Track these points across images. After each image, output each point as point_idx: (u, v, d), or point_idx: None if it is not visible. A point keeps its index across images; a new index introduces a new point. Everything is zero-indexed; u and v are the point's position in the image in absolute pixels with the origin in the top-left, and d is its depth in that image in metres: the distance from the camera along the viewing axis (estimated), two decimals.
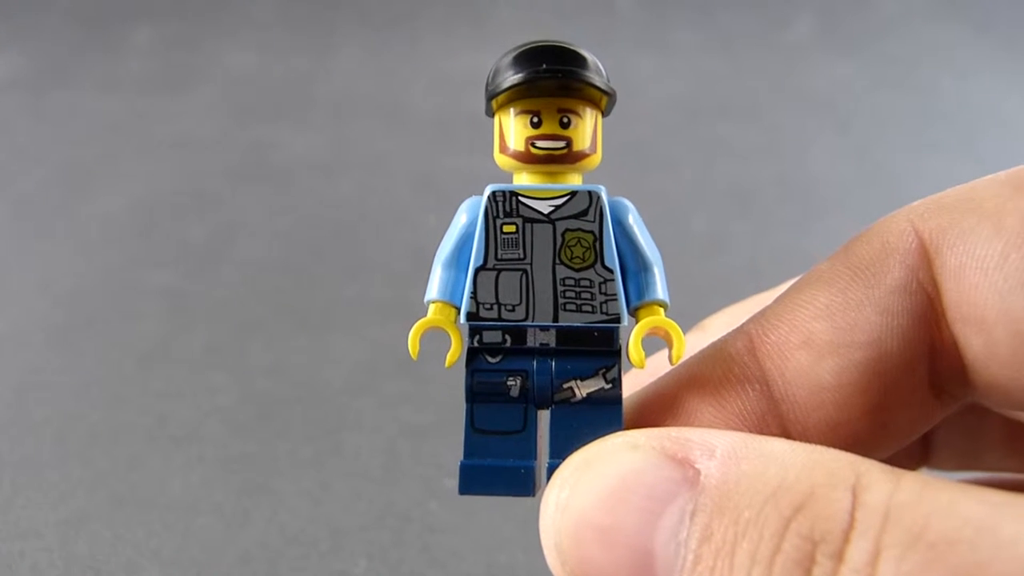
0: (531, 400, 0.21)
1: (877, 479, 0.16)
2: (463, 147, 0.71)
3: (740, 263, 0.58)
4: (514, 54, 0.20)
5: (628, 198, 0.21)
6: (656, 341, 0.21)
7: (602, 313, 0.20)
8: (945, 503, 0.15)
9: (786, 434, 0.20)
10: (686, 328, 0.21)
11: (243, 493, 0.41)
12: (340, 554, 0.38)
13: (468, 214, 0.21)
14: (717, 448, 0.17)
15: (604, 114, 0.21)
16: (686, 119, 0.77)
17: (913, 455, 0.26)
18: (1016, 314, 0.19)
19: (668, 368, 0.21)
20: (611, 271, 0.20)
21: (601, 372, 0.20)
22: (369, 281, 0.56)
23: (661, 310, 0.21)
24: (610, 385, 0.20)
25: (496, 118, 0.21)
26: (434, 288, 0.21)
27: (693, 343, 0.22)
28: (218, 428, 0.45)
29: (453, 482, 0.42)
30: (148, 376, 0.48)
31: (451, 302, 0.21)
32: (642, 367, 0.20)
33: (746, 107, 0.79)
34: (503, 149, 0.21)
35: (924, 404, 0.21)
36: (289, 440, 0.44)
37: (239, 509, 0.40)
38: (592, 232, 0.20)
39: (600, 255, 0.20)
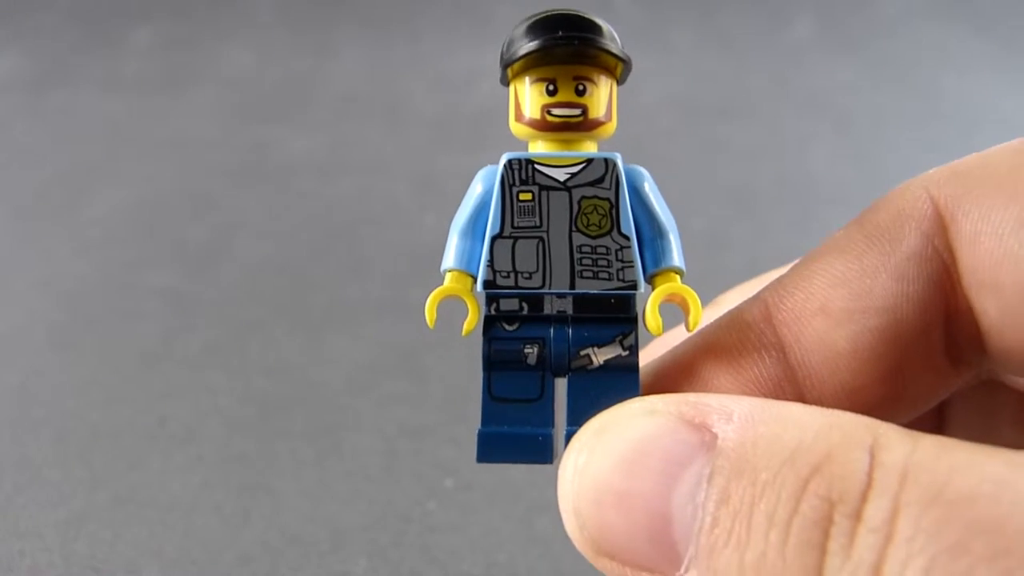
0: (548, 368, 0.21)
1: (895, 439, 0.16)
2: (463, 147, 0.71)
3: (740, 263, 0.58)
4: (529, 23, 0.20)
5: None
6: (672, 309, 0.21)
7: (619, 280, 0.20)
8: (964, 461, 0.15)
9: (802, 400, 0.20)
10: (702, 303, 0.21)
11: (243, 493, 0.41)
12: (340, 554, 0.38)
13: (484, 183, 0.21)
14: (734, 412, 0.17)
15: (619, 82, 0.21)
16: (686, 119, 0.77)
17: (926, 432, 0.26)
18: None
19: (684, 337, 0.22)
20: (627, 238, 0.20)
21: (618, 339, 0.20)
22: (369, 281, 0.56)
23: (677, 277, 0.21)
24: (627, 352, 0.20)
25: (511, 86, 0.21)
26: (450, 257, 0.21)
27: (707, 318, 0.22)
28: (218, 428, 0.45)
29: (453, 482, 0.42)
30: (148, 376, 0.48)
31: (467, 271, 0.21)
32: (659, 334, 0.20)
33: (746, 107, 0.79)
34: (519, 117, 0.21)
35: (940, 371, 0.21)
36: (289, 440, 0.44)
37: (239, 509, 0.40)
38: (608, 199, 0.20)
39: (616, 222, 0.20)
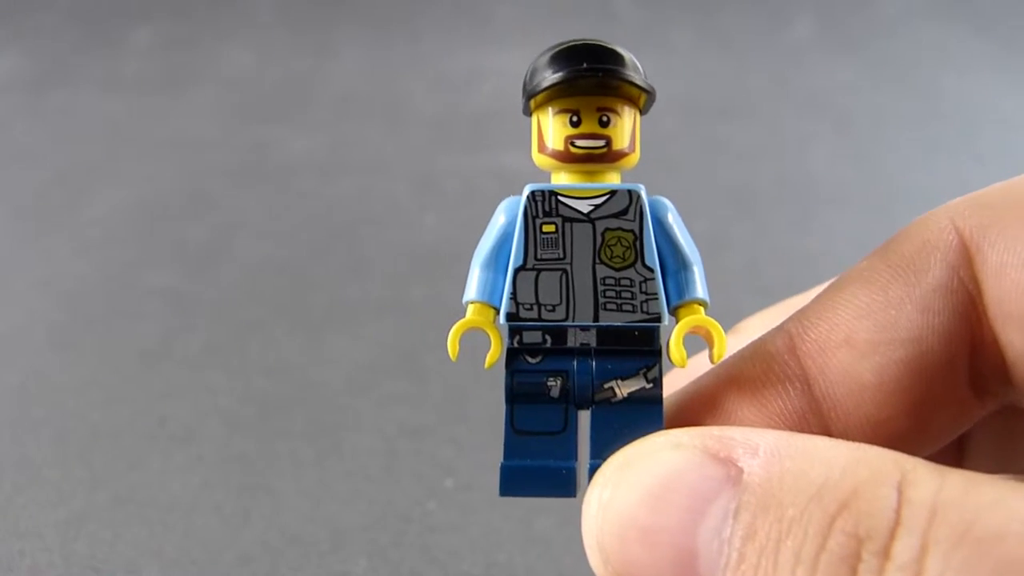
0: (571, 400, 0.21)
1: (923, 476, 0.15)
2: (463, 147, 0.71)
3: (740, 263, 0.58)
4: (552, 53, 0.20)
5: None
6: (694, 341, 0.21)
7: (643, 312, 0.20)
8: (992, 499, 0.15)
9: (827, 433, 0.20)
10: (712, 314, 0.21)
11: (243, 493, 0.41)
12: (340, 554, 0.38)
13: (506, 214, 0.21)
14: (760, 446, 0.17)
15: (642, 112, 0.21)
16: (686, 119, 0.77)
17: (948, 460, 0.26)
18: None
19: (707, 368, 0.21)
20: (652, 270, 0.20)
21: (642, 372, 0.20)
22: (369, 281, 0.56)
23: (702, 309, 0.21)
24: (651, 384, 0.20)
25: (534, 117, 0.21)
26: (473, 289, 0.21)
27: (728, 346, 0.22)
28: (218, 428, 0.45)
29: (453, 482, 0.42)
30: (148, 376, 0.48)
31: (490, 303, 0.21)
32: (683, 366, 0.20)
33: (746, 107, 0.79)
34: (542, 148, 0.21)
35: (964, 403, 0.21)
36: (289, 440, 0.44)
37: (239, 509, 0.40)
38: (632, 231, 0.20)
39: (640, 254, 0.20)
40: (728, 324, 0.23)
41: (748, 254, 0.59)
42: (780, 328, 0.21)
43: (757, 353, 0.21)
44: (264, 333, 0.52)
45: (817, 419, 0.20)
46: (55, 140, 0.75)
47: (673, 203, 0.21)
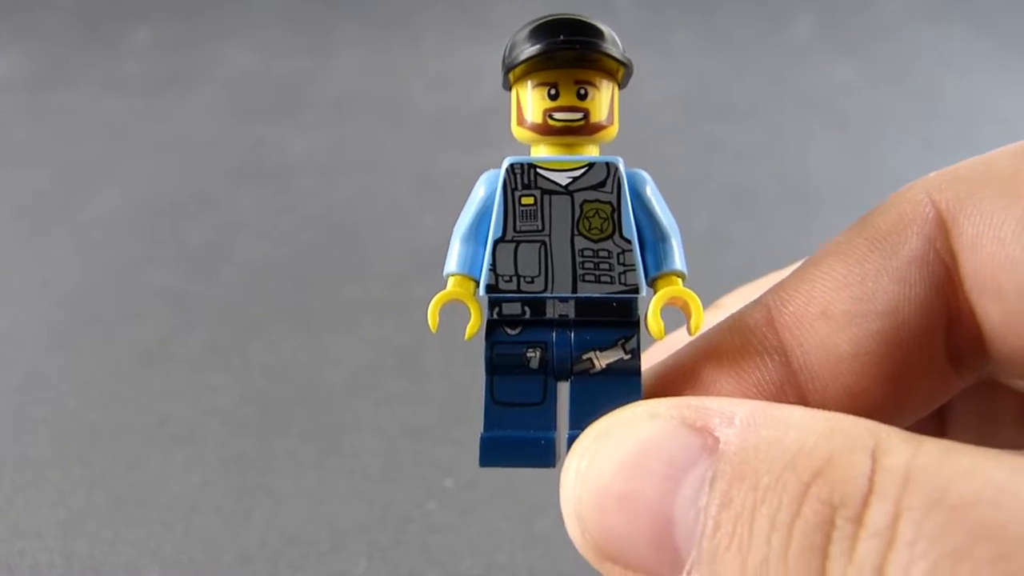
0: (550, 372, 0.21)
1: (897, 443, 0.16)
2: (463, 146, 0.71)
3: (740, 263, 0.58)
4: (531, 27, 0.20)
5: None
6: (674, 313, 0.21)
7: (621, 284, 0.20)
8: (966, 466, 0.15)
9: (804, 403, 0.20)
10: (703, 304, 0.21)
11: (243, 493, 0.41)
12: (340, 554, 0.38)
13: (486, 187, 0.21)
14: (736, 416, 0.17)
15: (621, 86, 0.21)
16: (685, 119, 0.77)
17: (928, 433, 0.26)
18: None
19: (686, 341, 0.22)
20: (629, 242, 0.20)
21: (620, 343, 0.20)
22: (369, 281, 0.56)
23: (680, 280, 0.21)
24: (629, 356, 0.20)
25: (513, 91, 0.21)
26: (453, 261, 0.21)
27: (709, 321, 0.23)
28: (218, 428, 0.45)
29: (453, 482, 0.42)
30: (148, 376, 0.48)
31: (470, 275, 0.21)
32: (661, 337, 0.20)
33: (746, 107, 0.79)
34: (520, 121, 0.21)
35: (941, 374, 0.21)
36: (289, 440, 0.44)
37: (239, 509, 0.40)
38: (610, 203, 0.20)
39: (618, 226, 0.20)
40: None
41: (748, 254, 0.59)
42: (758, 301, 0.21)
43: (735, 325, 0.21)
44: (264, 333, 0.52)
45: (795, 390, 0.20)
46: (55, 140, 0.75)
47: (651, 175, 0.21)
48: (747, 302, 0.22)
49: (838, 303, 0.20)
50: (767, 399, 0.20)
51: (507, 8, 0.92)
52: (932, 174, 0.21)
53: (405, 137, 0.74)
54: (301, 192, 0.67)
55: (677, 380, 0.21)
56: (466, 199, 0.22)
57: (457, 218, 0.21)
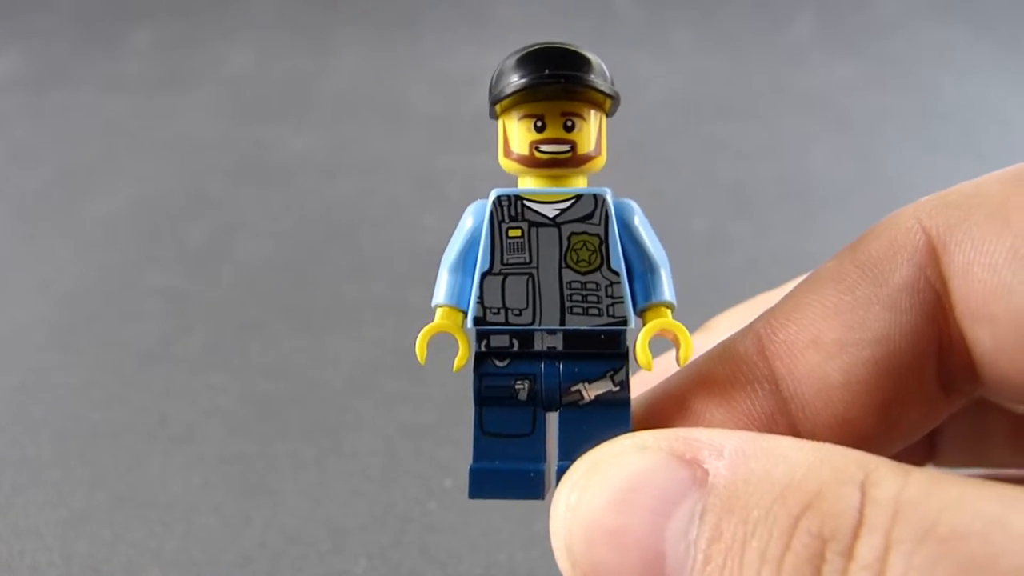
0: (539, 403, 0.21)
1: (885, 475, 0.16)
2: (463, 147, 0.71)
3: (740, 263, 0.58)
4: (516, 57, 0.20)
5: (629, 198, 0.21)
6: (664, 341, 0.21)
7: (609, 316, 0.20)
8: (955, 498, 0.15)
9: (795, 433, 0.20)
10: (692, 329, 0.21)
11: (243, 493, 0.41)
12: (340, 554, 0.38)
13: (474, 218, 0.21)
14: (725, 448, 0.17)
15: (608, 115, 0.21)
16: (685, 119, 0.77)
17: (919, 452, 0.26)
18: (1022, 310, 0.19)
19: (676, 369, 0.21)
20: (617, 274, 0.20)
21: (609, 374, 0.20)
22: (369, 281, 0.56)
23: (668, 311, 0.21)
24: (618, 387, 0.20)
25: (500, 121, 0.21)
26: (441, 293, 0.21)
27: (699, 344, 0.22)
28: (218, 428, 0.45)
29: (453, 482, 0.42)
30: (148, 376, 0.48)
31: (458, 306, 0.21)
32: (649, 369, 0.20)
33: (746, 107, 0.79)
34: (507, 153, 0.21)
35: (933, 400, 0.21)
36: (289, 440, 0.44)
37: (239, 509, 0.40)
38: (598, 235, 0.20)
39: (606, 258, 0.20)
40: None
41: (748, 254, 0.59)
42: (748, 329, 0.21)
43: (726, 354, 0.21)
44: (264, 333, 0.52)
45: (786, 419, 0.20)
46: (55, 140, 0.75)
47: (640, 205, 0.21)
48: (737, 324, 0.22)
49: (829, 332, 0.20)
50: (758, 428, 0.20)
51: (508, 8, 0.92)
52: (923, 199, 0.21)
53: (405, 137, 0.74)
54: (301, 192, 0.67)
55: (667, 410, 0.21)
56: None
57: (448, 242, 0.21)
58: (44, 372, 0.49)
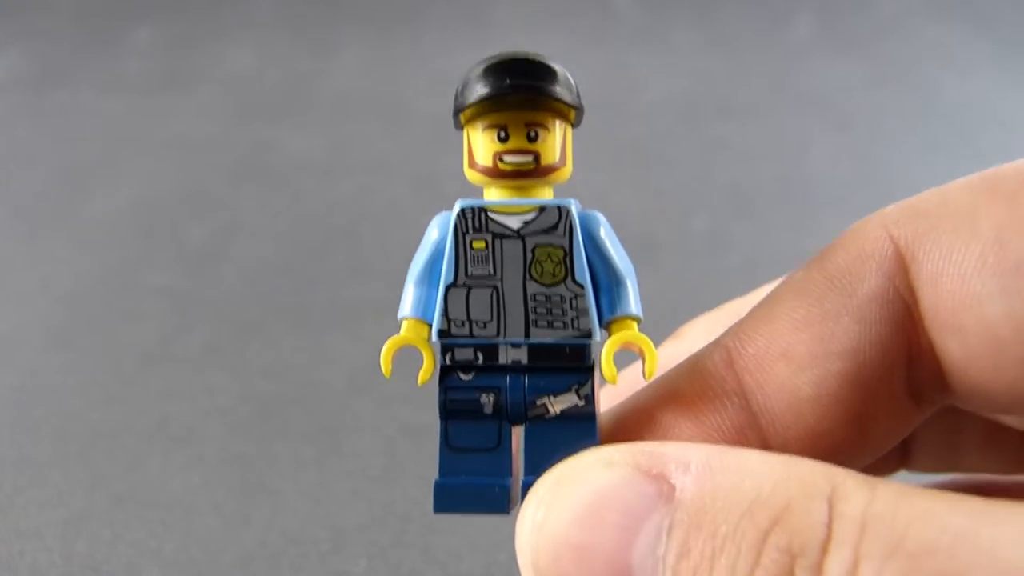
0: (505, 416, 0.21)
1: (853, 489, 0.16)
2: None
3: (740, 263, 0.58)
4: (481, 67, 0.20)
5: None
6: (633, 352, 0.21)
7: (574, 329, 0.20)
8: (922, 512, 0.15)
9: (766, 446, 0.20)
10: (662, 336, 0.21)
11: (243, 493, 0.41)
12: (340, 554, 0.38)
13: (439, 230, 0.21)
14: (692, 462, 0.17)
15: (574, 126, 0.21)
16: (685, 118, 0.77)
17: (893, 458, 0.26)
18: (993, 320, 0.19)
19: (645, 382, 0.21)
20: (582, 287, 0.20)
21: (574, 388, 0.20)
22: (369, 281, 0.56)
23: (635, 324, 0.20)
24: (583, 401, 0.20)
25: (464, 132, 0.21)
26: (407, 305, 0.21)
27: (671, 352, 0.22)
28: (218, 428, 0.45)
29: None
30: (148, 376, 0.48)
31: (423, 319, 0.21)
32: (614, 383, 0.20)
33: (746, 107, 0.79)
34: (471, 164, 0.21)
35: (903, 409, 0.21)
36: (289, 440, 0.44)
37: (239, 509, 0.40)
38: (562, 247, 0.20)
39: (571, 270, 0.20)
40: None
41: (748, 254, 0.59)
42: (717, 342, 0.21)
43: (695, 368, 0.21)
44: (264, 333, 0.52)
45: (756, 433, 0.20)
46: (55, 140, 0.75)
47: (606, 216, 0.21)
48: (710, 331, 0.22)
49: (798, 344, 0.20)
50: (727, 442, 0.20)
51: (508, 8, 0.92)
52: (890, 207, 0.21)
53: (405, 137, 0.74)
54: (301, 192, 0.67)
55: (636, 424, 0.21)
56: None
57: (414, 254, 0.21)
58: (44, 372, 0.49)
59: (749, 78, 0.84)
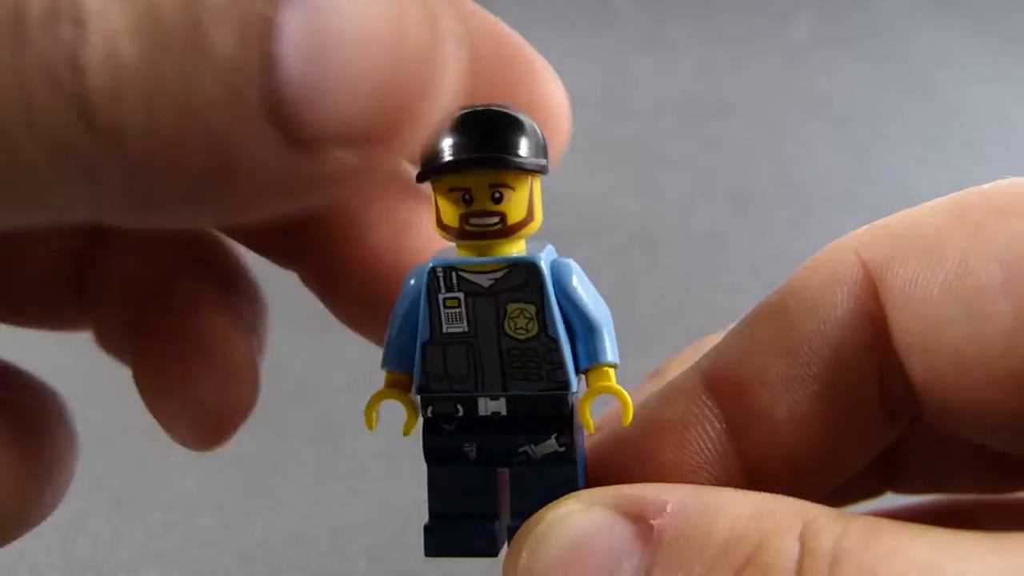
0: (490, 461, 0.21)
1: (824, 525, 0.16)
2: None
3: (740, 263, 0.58)
4: (447, 126, 0.19)
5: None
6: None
7: (550, 381, 0.20)
8: (890, 548, 0.15)
9: (746, 470, 0.21)
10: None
11: (243, 493, 0.41)
12: (340, 554, 0.38)
13: (416, 280, 0.21)
14: (668, 503, 0.18)
15: (543, 174, 0.20)
16: (685, 118, 0.77)
17: (878, 479, 0.27)
18: (955, 343, 0.19)
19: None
20: (556, 340, 0.20)
21: (554, 436, 0.21)
22: None
23: (611, 371, 0.21)
24: (563, 448, 0.21)
25: (432, 191, 0.21)
26: (389, 357, 0.22)
27: (652, 389, 0.23)
28: None
29: None
30: None
31: (406, 371, 0.21)
32: (592, 432, 0.21)
33: (746, 106, 0.79)
34: (439, 223, 0.21)
35: (878, 429, 0.22)
36: (289, 440, 0.44)
37: (239, 509, 0.40)
38: (534, 303, 0.20)
39: (543, 325, 0.20)
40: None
41: (748, 254, 0.59)
42: (695, 368, 0.21)
43: (674, 395, 0.21)
44: None
45: (737, 458, 0.21)
46: None
47: (579, 264, 0.21)
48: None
49: (774, 368, 0.20)
50: (709, 469, 0.21)
51: (507, 9, 0.92)
52: (862, 228, 0.21)
53: None
54: None
55: (619, 456, 0.21)
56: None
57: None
58: (44, 372, 0.49)
59: (749, 77, 0.84)
